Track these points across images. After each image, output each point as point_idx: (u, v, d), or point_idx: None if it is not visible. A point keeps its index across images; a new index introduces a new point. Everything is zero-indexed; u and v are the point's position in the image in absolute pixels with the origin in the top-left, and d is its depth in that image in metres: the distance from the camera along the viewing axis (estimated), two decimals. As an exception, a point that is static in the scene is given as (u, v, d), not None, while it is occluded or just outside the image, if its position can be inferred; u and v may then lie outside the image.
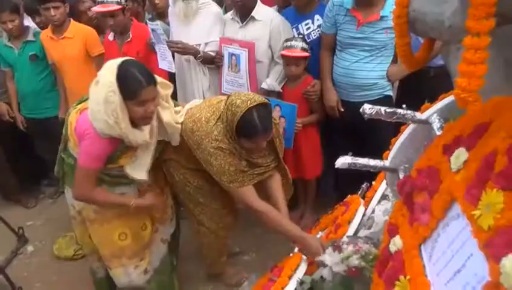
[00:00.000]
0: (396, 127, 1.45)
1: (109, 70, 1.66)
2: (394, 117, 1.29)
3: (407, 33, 1.06)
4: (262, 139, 1.78)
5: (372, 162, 1.42)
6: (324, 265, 1.50)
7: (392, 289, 1.02)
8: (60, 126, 3.10)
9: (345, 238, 1.61)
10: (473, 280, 0.77)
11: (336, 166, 1.39)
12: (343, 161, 1.40)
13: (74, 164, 1.83)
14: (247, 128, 1.73)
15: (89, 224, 1.95)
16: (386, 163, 1.42)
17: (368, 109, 1.28)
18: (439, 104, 1.29)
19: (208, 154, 1.82)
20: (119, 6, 2.53)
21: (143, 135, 1.77)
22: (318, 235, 1.92)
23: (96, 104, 1.65)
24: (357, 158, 1.41)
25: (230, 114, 1.75)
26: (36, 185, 3.54)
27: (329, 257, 1.45)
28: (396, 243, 1.11)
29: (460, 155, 0.93)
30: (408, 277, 0.98)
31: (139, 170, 1.85)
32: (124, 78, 1.63)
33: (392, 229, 1.18)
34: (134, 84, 1.64)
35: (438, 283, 0.91)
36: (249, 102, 1.71)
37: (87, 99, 1.77)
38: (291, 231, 1.81)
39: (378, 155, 1.44)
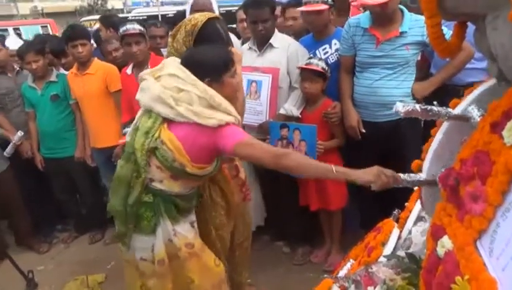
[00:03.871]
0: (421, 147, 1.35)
1: (173, 67, 1.56)
2: (430, 114, 1.20)
3: (437, 11, 1.00)
4: None
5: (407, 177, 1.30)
6: None
7: (446, 295, 0.86)
8: (78, 165, 3.11)
9: (381, 259, 1.44)
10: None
11: None
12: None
13: (154, 199, 1.61)
14: (211, 37, 1.70)
15: (188, 264, 1.70)
16: (422, 175, 1.28)
17: (401, 106, 1.19)
18: (471, 95, 1.19)
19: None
20: (143, 31, 2.60)
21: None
22: (348, 264, 1.73)
23: (197, 106, 1.49)
24: None
25: (190, 27, 1.72)
26: (50, 229, 3.44)
27: None
28: (445, 244, 0.95)
29: (516, 124, 0.82)
30: (466, 277, 0.82)
31: None
32: (202, 61, 1.57)
33: (437, 231, 1.02)
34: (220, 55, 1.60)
35: (507, 278, 0.75)
36: (207, 14, 1.75)
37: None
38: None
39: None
